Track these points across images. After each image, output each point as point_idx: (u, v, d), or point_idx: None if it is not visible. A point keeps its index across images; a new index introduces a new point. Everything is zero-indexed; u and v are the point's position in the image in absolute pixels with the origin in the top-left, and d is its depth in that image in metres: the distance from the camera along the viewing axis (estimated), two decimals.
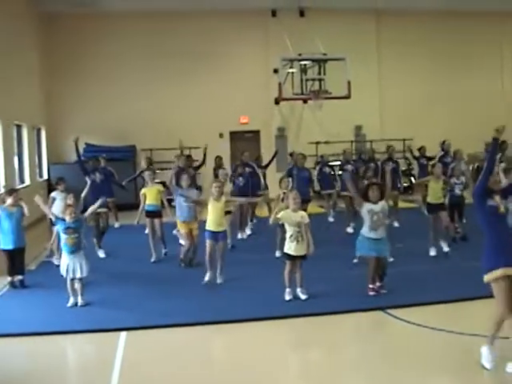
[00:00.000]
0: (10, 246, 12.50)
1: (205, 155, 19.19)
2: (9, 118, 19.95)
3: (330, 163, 20.54)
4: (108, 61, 26.10)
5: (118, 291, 11.78)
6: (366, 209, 10.91)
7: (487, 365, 7.47)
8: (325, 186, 20.01)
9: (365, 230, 10.96)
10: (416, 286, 11.37)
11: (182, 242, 14.64)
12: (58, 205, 14.42)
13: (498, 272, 7.29)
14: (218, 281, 12.37)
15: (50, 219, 14.23)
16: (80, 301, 11.02)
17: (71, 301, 11.04)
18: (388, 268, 11.18)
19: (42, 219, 14.51)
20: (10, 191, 12.88)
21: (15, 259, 12.58)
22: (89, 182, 15.01)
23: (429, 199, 14.26)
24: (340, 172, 19.47)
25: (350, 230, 17.61)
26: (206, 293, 11.69)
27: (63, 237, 11.07)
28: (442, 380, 7.50)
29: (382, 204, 10.97)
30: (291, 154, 20.68)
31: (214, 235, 12.28)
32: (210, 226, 12.32)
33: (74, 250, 11.01)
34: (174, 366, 8.25)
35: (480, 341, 7.79)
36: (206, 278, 12.19)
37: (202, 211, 13.85)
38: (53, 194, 14.83)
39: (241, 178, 17.55)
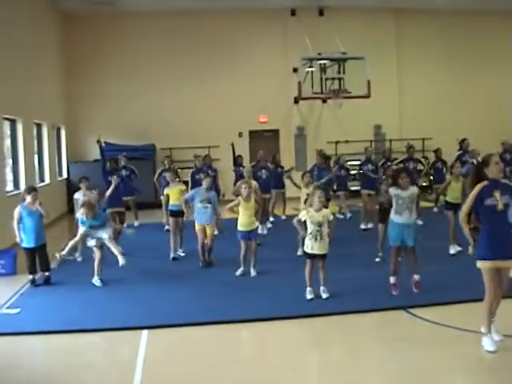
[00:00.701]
0: (31, 245, 12.55)
1: (233, 152, 19.98)
2: (29, 116, 20.03)
3: (346, 165, 20.48)
4: (127, 59, 26.14)
5: (138, 289, 11.79)
6: (393, 193, 10.92)
7: (491, 348, 7.92)
8: (338, 188, 20.00)
9: (392, 214, 10.99)
10: (438, 285, 11.29)
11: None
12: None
13: (488, 263, 7.89)
14: (252, 274, 12.77)
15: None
16: (120, 259, 11.58)
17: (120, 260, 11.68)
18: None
19: (61, 218, 14.53)
20: (29, 190, 12.87)
21: (37, 257, 12.65)
22: (114, 182, 15.05)
23: (448, 198, 14.20)
24: (361, 171, 19.41)
25: (363, 226, 17.86)
26: (227, 291, 11.68)
27: (89, 238, 11.15)
28: (468, 381, 7.45)
29: (411, 190, 10.95)
30: (321, 152, 20.59)
31: (247, 235, 12.77)
32: (242, 226, 12.75)
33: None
34: (196, 364, 8.22)
35: (508, 342, 8.07)
36: (239, 272, 12.81)
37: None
38: (76, 196, 14.92)
39: (263, 171, 18.07)
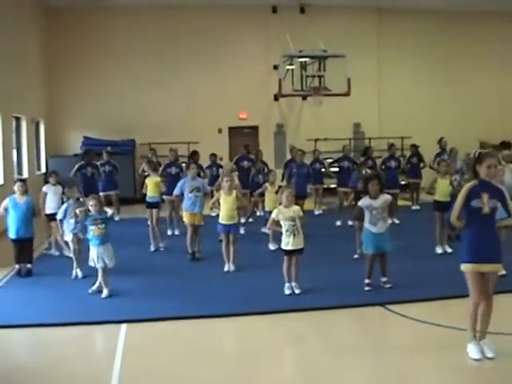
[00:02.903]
0: (13, 236, 12.69)
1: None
2: (8, 110, 19.90)
3: (321, 159, 20.59)
4: (108, 55, 26.02)
5: (118, 283, 11.72)
6: (364, 204, 11.00)
7: (476, 356, 7.69)
8: (313, 181, 20.05)
9: (366, 223, 11.08)
10: (416, 282, 11.42)
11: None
12: (51, 199, 14.48)
13: (471, 266, 7.67)
14: (231, 269, 12.78)
15: (47, 214, 14.35)
16: (105, 291, 11.07)
17: (105, 292, 11.08)
18: (388, 264, 11.21)
19: (39, 212, 14.51)
20: (16, 181, 13.04)
21: (23, 249, 12.72)
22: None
23: (436, 197, 14.02)
24: (337, 169, 19.49)
25: (339, 223, 18.04)
26: (206, 286, 11.72)
27: (91, 228, 11.08)
28: (439, 375, 7.51)
29: (382, 199, 11.03)
30: (291, 150, 20.76)
31: (226, 228, 12.81)
32: (222, 219, 12.85)
33: (101, 241, 11.04)
34: (174, 358, 8.26)
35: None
36: (226, 268, 12.79)
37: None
38: (44, 189, 14.86)
39: (260, 176, 17.91)
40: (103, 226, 11.11)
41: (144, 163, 16.84)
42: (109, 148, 21.11)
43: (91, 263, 11.12)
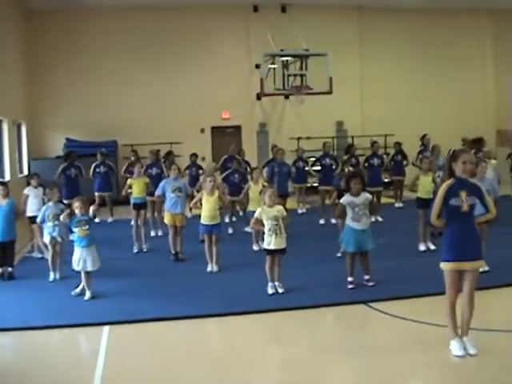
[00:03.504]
0: None
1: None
2: None
3: (305, 158, 20.57)
4: (89, 57, 25.86)
5: (101, 285, 11.65)
6: (346, 201, 11.02)
7: (458, 353, 7.67)
8: (297, 180, 20.09)
9: (349, 220, 11.09)
10: (399, 280, 11.45)
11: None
12: (32, 202, 14.42)
13: (449, 265, 7.68)
14: (214, 269, 12.75)
15: (28, 217, 14.28)
16: (87, 294, 11.00)
17: (88, 295, 11.01)
18: (371, 262, 11.23)
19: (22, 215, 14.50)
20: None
21: (5, 251, 12.64)
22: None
23: (419, 194, 14.03)
24: (319, 167, 19.47)
25: (322, 221, 18.11)
26: (189, 286, 11.71)
27: (75, 230, 11.03)
28: (422, 372, 7.53)
29: (363, 196, 11.07)
30: (272, 148, 20.75)
31: (209, 228, 12.76)
32: (204, 219, 12.80)
33: (86, 242, 10.98)
34: (158, 359, 8.22)
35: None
36: (209, 269, 12.78)
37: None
38: (26, 191, 14.79)
39: (236, 175, 17.53)
40: (87, 227, 11.05)
41: (136, 164, 16.61)
42: (103, 149, 21.09)
43: (74, 265, 11.07)
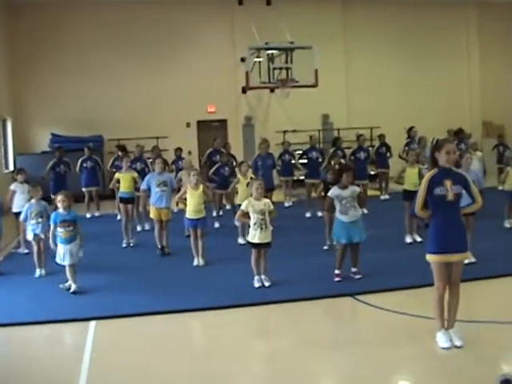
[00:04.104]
0: None
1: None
2: None
3: (291, 151, 20.56)
4: (74, 51, 25.74)
5: (87, 280, 11.60)
6: (334, 194, 11.02)
7: (445, 345, 7.71)
8: (283, 173, 20.07)
9: (337, 213, 11.10)
10: (385, 272, 11.48)
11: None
12: (18, 197, 14.37)
13: (435, 257, 7.65)
14: (200, 263, 12.75)
15: (15, 213, 14.23)
16: (73, 286, 10.97)
17: (73, 287, 10.99)
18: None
19: (8, 211, 14.47)
20: None
21: None
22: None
23: (405, 186, 14.07)
24: (305, 161, 19.46)
25: (308, 214, 18.14)
26: (176, 281, 11.70)
27: (58, 230, 10.97)
28: (409, 364, 7.55)
29: (351, 189, 11.06)
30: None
31: (194, 223, 12.76)
32: (189, 214, 12.80)
33: (69, 241, 10.95)
34: (145, 354, 8.21)
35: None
36: (195, 263, 12.77)
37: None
38: (12, 187, 14.72)
39: (226, 168, 17.46)
40: (71, 228, 10.99)
41: (123, 158, 16.47)
42: (90, 144, 21.05)
43: (58, 260, 11.03)
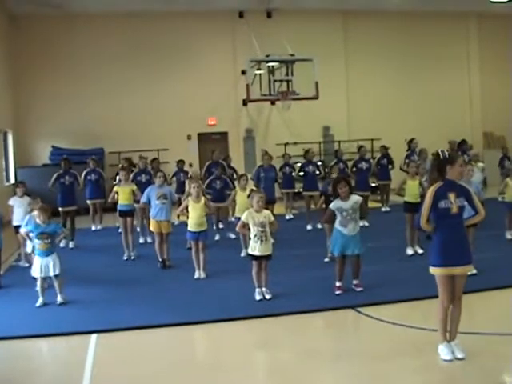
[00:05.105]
0: None
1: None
2: None
3: (292, 164, 20.55)
4: (76, 63, 25.82)
5: (88, 293, 11.65)
6: (335, 207, 10.97)
7: (447, 357, 7.67)
8: (284, 185, 20.09)
9: (337, 224, 11.03)
10: (387, 284, 11.45)
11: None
12: (17, 211, 14.37)
13: (439, 270, 7.62)
14: (202, 276, 12.71)
15: (14, 226, 14.22)
16: (59, 299, 10.96)
17: (40, 301, 10.96)
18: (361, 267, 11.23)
19: (8, 224, 14.51)
20: None
21: None
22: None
23: (406, 198, 13.99)
24: (302, 173, 19.44)
25: (309, 227, 18.09)
26: (177, 293, 11.66)
27: (36, 242, 10.96)
28: (411, 376, 7.50)
29: (352, 200, 10.99)
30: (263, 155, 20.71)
31: (196, 235, 12.72)
32: (190, 226, 12.76)
33: (47, 253, 10.92)
34: (146, 367, 8.17)
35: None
36: (196, 276, 12.73)
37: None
38: (10, 202, 14.74)
39: (218, 182, 17.33)
40: (49, 240, 10.99)
41: (120, 171, 16.48)
42: (94, 156, 21.00)
43: (34, 274, 11.03)
